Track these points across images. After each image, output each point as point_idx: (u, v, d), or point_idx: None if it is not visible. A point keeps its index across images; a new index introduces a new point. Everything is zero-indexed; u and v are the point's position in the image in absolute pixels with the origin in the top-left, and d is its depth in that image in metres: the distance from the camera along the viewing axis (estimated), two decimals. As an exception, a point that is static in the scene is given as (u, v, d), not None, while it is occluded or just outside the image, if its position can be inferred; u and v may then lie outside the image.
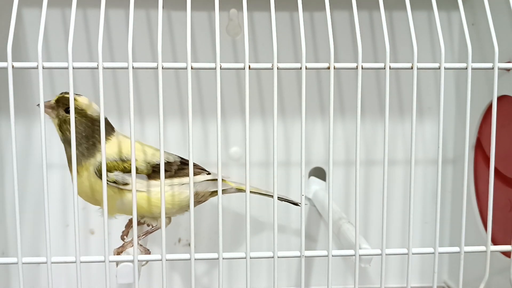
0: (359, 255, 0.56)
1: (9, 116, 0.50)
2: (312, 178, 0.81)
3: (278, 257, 0.55)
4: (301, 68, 0.52)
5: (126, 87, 0.51)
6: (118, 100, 0.77)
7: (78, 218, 0.52)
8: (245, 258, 0.54)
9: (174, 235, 0.81)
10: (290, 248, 0.80)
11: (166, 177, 0.58)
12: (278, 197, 0.60)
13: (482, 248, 0.57)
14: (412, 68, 0.53)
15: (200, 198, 0.63)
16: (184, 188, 0.61)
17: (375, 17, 0.79)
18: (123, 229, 0.67)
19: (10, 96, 0.50)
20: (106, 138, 0.56)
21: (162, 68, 0.51)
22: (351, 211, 0.80)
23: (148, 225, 0.65)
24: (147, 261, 0.56)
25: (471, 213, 0.75)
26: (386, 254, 0.56)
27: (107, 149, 0.58)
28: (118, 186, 0.58)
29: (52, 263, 0.52)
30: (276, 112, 0.52)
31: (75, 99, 0.56)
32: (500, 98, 0.66)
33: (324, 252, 0.55)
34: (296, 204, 0.69)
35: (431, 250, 0.57)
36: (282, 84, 0.78)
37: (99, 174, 0.57)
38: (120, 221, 0.67)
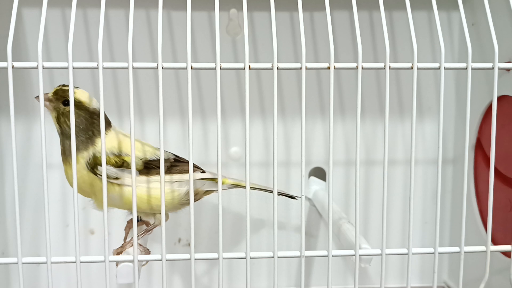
0: (359, 255, 0.56)
1: (9, 116, 0.50)
2: (312, 178, 0.81)
3: (278, 257, 0.54)
4: (301, 68, 0.52)
5: (126, 87, 0.51)
6: (118, 100, 0.77)
7: (78, 218, 0.52)
8: (245, 258, 0.54)
9: (174, 235, 0.81)
10: (290, 247, 0.80)
11: (158, 174, 0.58)
12: (277, 192, 0.60)
13: (482, 248, 0.57)
14: (412, 68, 0.53)
15: (194, 196, 0.63)
16: (176, 185, 0.61)
17: (375, 17, 0.79)
18: (123, 229, 0.67)
19: (10, 96, 0.50)
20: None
21: (162, 68, 0.51)
22: (351, 211, 0.80)
23: (147, 225, 0.65)
24: (147, 261, 0.56)
25: (471, 213, 0.75)
26: (386, 254, 0.56)
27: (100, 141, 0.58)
28: (109, 180, 0.58)
29: (52, 263, 0.52)
30: (276, 112, 0.52)
31: (74, 92, 0.56)
32: (500, 98, 0.66)
33: (324, 252, 0.55)
34: (293, 197, 0.69)
35: (431, 250, 0.57)
36: (282, 84, 0.78)
37: (90, 167, 0.58)
38: (121, 221, 0.67)
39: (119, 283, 0.56)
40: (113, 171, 0.58)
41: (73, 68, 0.50)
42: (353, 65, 0.53)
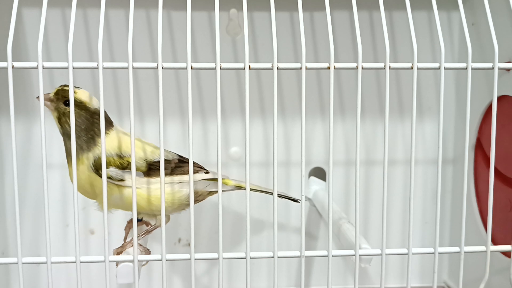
0: (359, 255, 0.56)
1: (9, 116, 0.50)
2: (312, 178, 0.81)
3: (278, 257, 0.54)
4: (301, 68, 0.52)
5: (126, 87, 0.51)
6: (118, 100, 0.77)
7: (78, 218, 0.52)
8: (245, 258, 0.54)
9: (174, 235, 0.81)
10: (290, 247, 0.80)
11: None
12: (278, 195, 0.60)
13: (482, 248, 0.57)
14: (412, 68, 0.53)
15: (198, 197, 0.63)
16: (181, 186, 0.61)
17: (375, 17, 0.79)
18: (124, 229, 0.67)
19: (10, 96, 0.50)
20: (105, 130, 0.56)
21: (162, 68, 0.51)
22: (351, 211, 0.80)
23: (147, 225, 0.65)
24: (147, 261, 0.56)
25: (471, 213, 0.75)
26: (386, 254, 0.56)
27: (105, 144, 0.58)
28: (113, 182, 0.58)
29: (52, 263, 0.52)
30: (276, 112, 0.52)
31: (74, 92, 0.56)
32: (500, 98, 0.66)
33: (324, 252, 0.55)
34: (295, 200, 0.69)
35: (431, 250, 0.57)
36: (282, 84, 0.78)
37: (94, 168, 0.57)
38: (121, 221, 0.67)
39: (119, 283, 0.56)
40: (118, 173, 0.58)
41: (73, 68, 0.50)
42: (353, 65, 0.53)
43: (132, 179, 0.52)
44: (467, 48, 0.54)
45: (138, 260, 0.53)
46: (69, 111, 0.57)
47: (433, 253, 0.56)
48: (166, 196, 0.59)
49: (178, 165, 0.62)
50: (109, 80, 0.76)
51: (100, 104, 0.51)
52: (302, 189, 0.54)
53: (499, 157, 0.63)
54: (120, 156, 0.59)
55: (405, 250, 0.56)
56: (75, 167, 0.51)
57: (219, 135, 0.52)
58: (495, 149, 0.56)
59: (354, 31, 0.54)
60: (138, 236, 0.57)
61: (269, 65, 0.52)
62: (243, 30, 0.76)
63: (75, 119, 0.54)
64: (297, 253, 0.55)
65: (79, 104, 0.57)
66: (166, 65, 0.51)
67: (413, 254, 0.56)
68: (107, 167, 0.57)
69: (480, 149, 0.74)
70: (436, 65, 0.54)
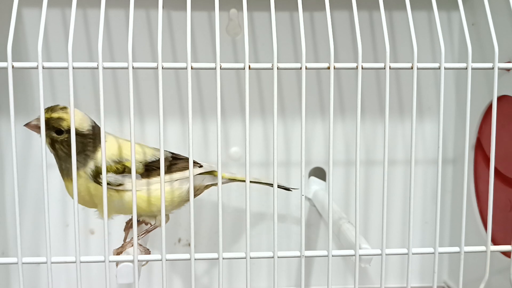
0: (359, 255, 0.56)
1: (9, 117, 0.50)
2: (312, 178, 0.81)
3: (278, 257, 0.54)
4: (301, 68, 0.52)
5: (126, 87, 0.51)
6: (118, 100, 0.77)
7: (78, 218, 0.52)
8: (245, 258, 0.54)
9: (174, 235, 0.81)
10: (290, 246, 0.80)
11: (159, 175, 0.58)
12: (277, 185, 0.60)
13: (482, 248, 0.57)
14: (412, 68, 0.53)
15: (196, 191, 0.63)
16: (179, 183, 0.61)
17: (375, 17, 0.79)
18: (123, 229, 0.67)
19: (10, 96, 0.50)
20: (98, 146, 0.57)
21: (162, 68, 0.51)
22: (351, 211, 0.80)
23: (146, 224, 0.65)
24: (147, 261, 0.56)
25: (471, 213, 0.75)
26: (386, 254, 0.56)
27: (98, 154, 0.58)
28: (112, 187, 0.58)
29: (52, 263, 0.52)
30: (276, 112, 0.52)
31: (63, 118, 0.56)
32: (500, 98, 0.66)
33: (324, 252, 0.55)
34: (288, 189, 0.69)
35: (431, 250, 0.57)
36: (282, 84, 0.78)
37: (93, 178, 0.57)
38: (121, 221, 0.67)
39: (119, 283, 0.56)
40: (117, 178, 0.58)
41: (73, 68, 0.50)
42: (353, 65, 0.53)
43: (132, 179, 0.52)
44: (467, 48, 0.54)
45: (138, 260, 0.53)
46: (62, 139, 0.56)
47: (433, 253, 0.56)
48: (166, 195, 0.59)
49: (172, 163, 0.62)
50: (109, 80, 0.76)
51: (100, 104, 0.51)
52: (302, 189, 0.54)
53: (499, 157, 0.63)
54: (116, 162, 0.59)
55: (405, 250, 0.56)
56: (75, 165, 0.51)
57: (219, 135, 0.52)
58: (495, 149, 0.56)
59: (354, 31, 0.54)
60: (137, 236, 0.57)
61: (269, 65, 0.52)
62: (243, 30, 0.76)
63: (68, 146, 0.54)
64: (297, 253, 0.55)
65: (70, 130, 0.54)
66: (166, 65, 0.51)
67: (413, 254, 0.56)
68: None
69: (480, 149, 0.74)
70: (436, 65, 0.54)
